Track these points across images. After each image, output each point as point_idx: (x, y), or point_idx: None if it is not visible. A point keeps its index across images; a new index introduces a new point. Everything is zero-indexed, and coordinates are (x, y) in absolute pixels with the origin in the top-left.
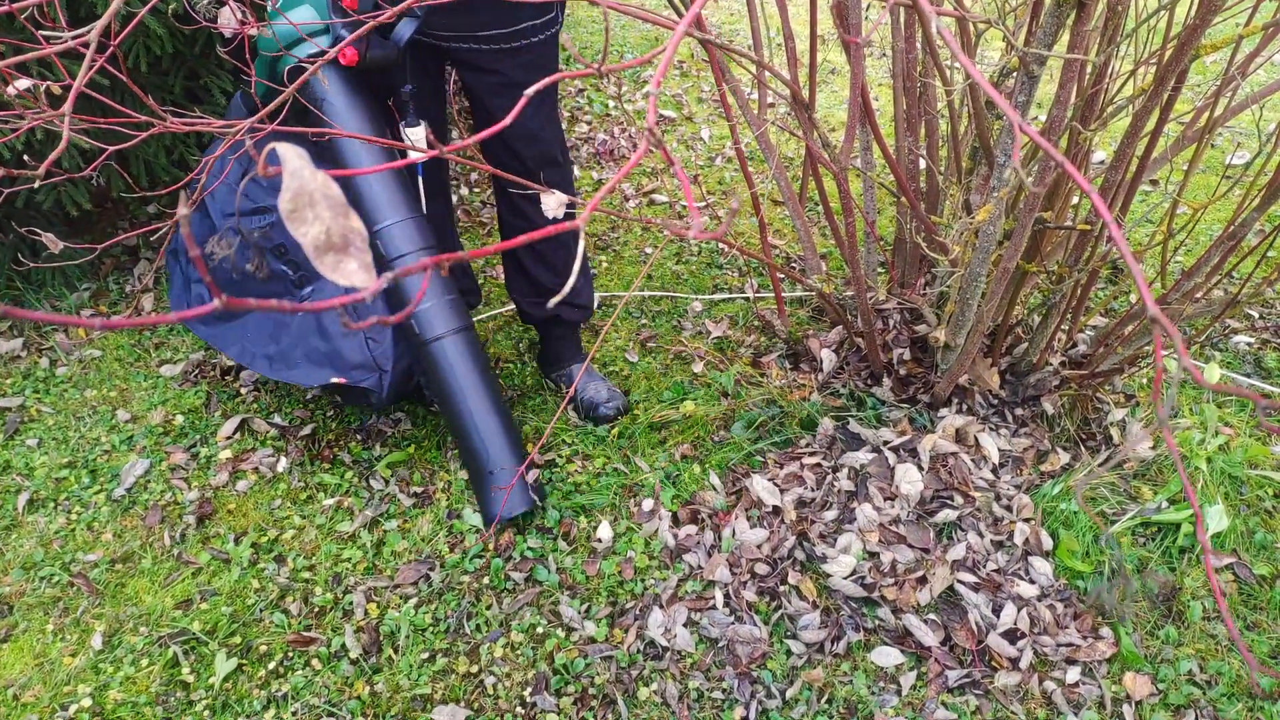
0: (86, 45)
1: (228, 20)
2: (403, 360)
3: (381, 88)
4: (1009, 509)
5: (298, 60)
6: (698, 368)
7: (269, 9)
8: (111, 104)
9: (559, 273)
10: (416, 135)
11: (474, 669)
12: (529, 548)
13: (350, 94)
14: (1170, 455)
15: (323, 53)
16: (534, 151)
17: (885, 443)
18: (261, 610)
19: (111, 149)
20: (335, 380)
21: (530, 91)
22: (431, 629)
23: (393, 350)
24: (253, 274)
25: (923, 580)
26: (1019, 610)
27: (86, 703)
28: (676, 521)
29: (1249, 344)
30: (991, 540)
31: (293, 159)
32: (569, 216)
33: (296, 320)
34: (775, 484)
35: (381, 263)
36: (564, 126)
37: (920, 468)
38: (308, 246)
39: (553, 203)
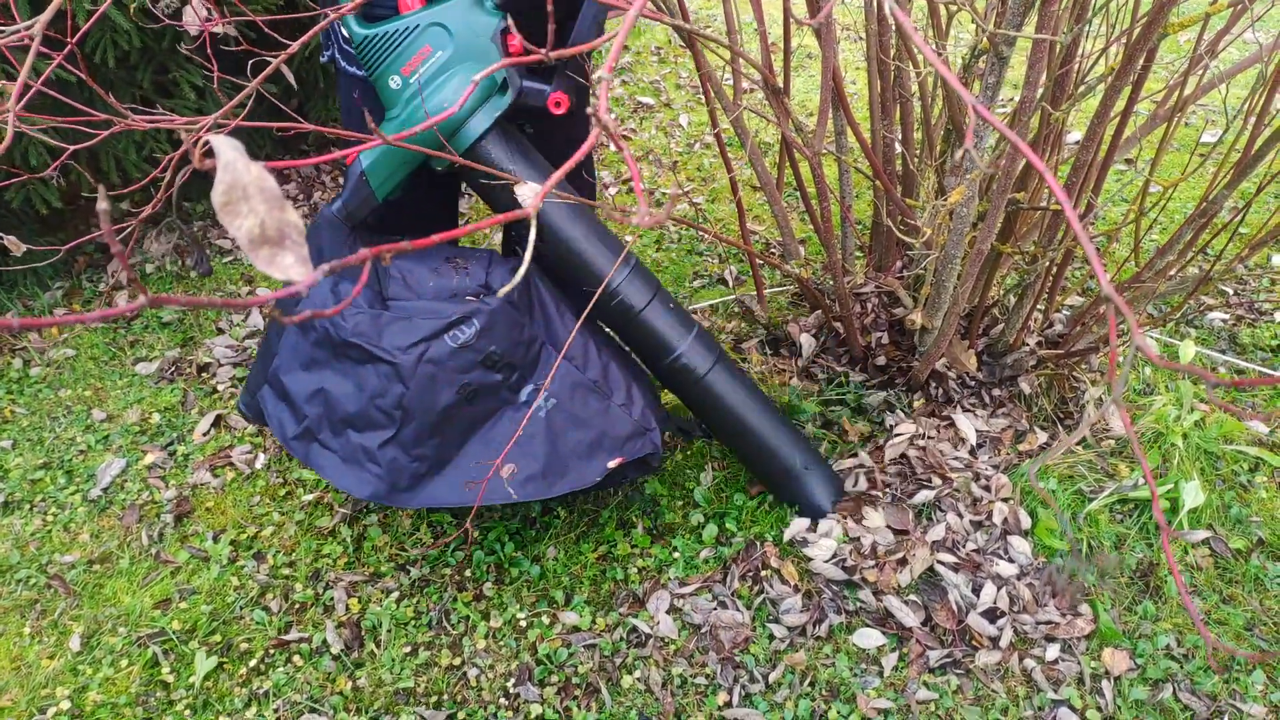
0: (32, 39)
1: (191, 18)
2: (659, 411)
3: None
4: (987, 489)
5: (475, 138)
6: None
7: (393, 86)
8: (72, 103)
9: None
10: (525, 193)
11: (457, 661)
12: (510, 538)
13: (528, 152)
14: (1146, 431)
15: (501, 116)
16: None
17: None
18: (242, 608)
19: (71, 149)
20: (614, 463)
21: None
22: (413, 623)
23: (648, 405)
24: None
25: (903, 562)
26: (998, 589)
27: (65, 705)
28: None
29: (1224, 320)
30: (970, 520)
31: (226, 150)
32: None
33: (543, 425)
34: None
35: (631, 316)
36: None
37: (898, 449)
38: (242, 240)
39: (527, 193)
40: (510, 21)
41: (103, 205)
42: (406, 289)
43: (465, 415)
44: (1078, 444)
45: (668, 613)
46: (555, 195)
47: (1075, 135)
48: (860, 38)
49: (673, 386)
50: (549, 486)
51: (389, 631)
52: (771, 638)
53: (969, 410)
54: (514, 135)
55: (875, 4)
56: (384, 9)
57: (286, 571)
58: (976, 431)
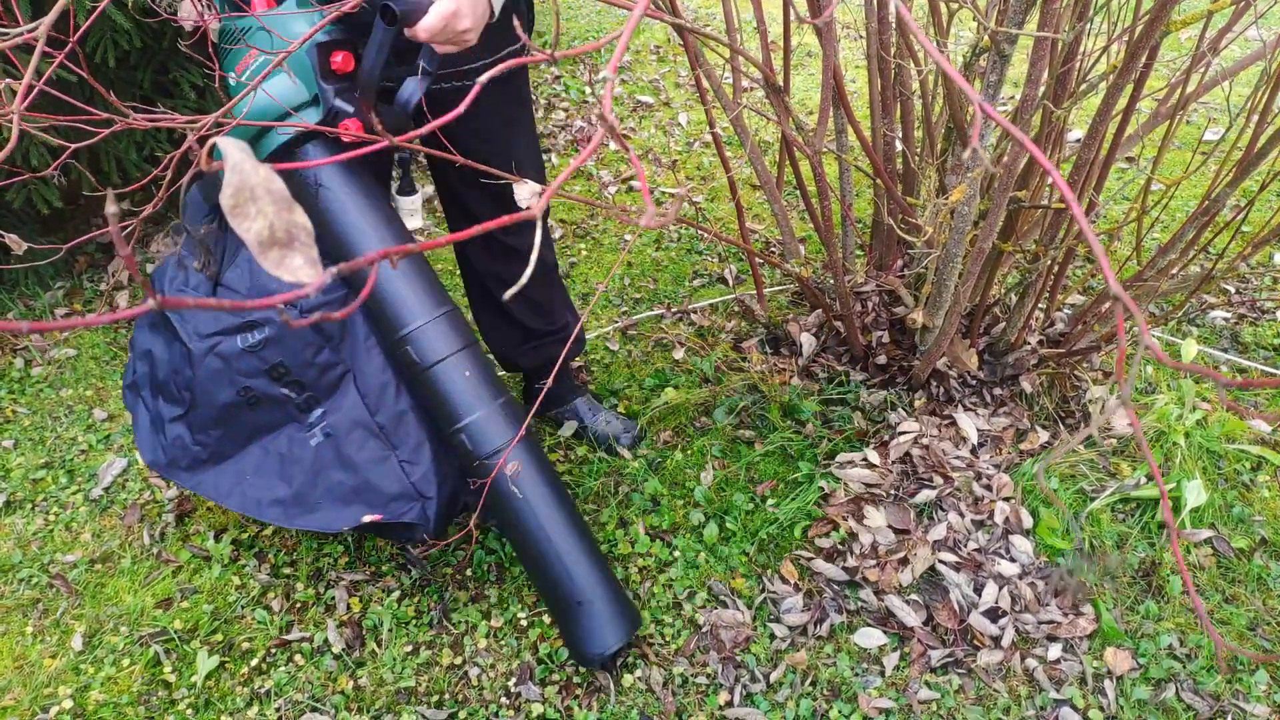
0: (37, 40)
1: (188, 14)
2: (447, 483)
3: (371, 158)
4: (989, 488)
5: (286, 137)
6: (678, 354)
7: (231, 82)
8: (73, 102)
9: (546, 311)
10: (413, 205)
11: (458, 660)
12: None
13: (349, 176)
14: (1148, 430)
15: (314, 129)
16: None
17: (864, 427)
18: (243, 607)
19: (72, 147)
20: (369, 519)
21: (483, 79)
22: (414, 622)
23: (434, 472)
24: (200, 272)
25: (904, 561)
26: (1000, 589)
27: (68, 704)
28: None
29: (1226, 319)
30: (972, 520)
31: (234, 152)
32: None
33: (310, 453)
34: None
35: (416, 371)
36: (540, 114)
37: (900, 449)
38: (251, 242)
39: (525, 192)
40: (332, 36)
41: (111, 209)
42: (249, 278)
43: (249, 419)
44: (1062, 450)
45: (669, 611)
46: (379, 226)
47: (1077, 133)
48: (861, 36)
49: (451, 460)
50: (290, 517)
51: (390, 631)
52: (772, 637)
53: (970, 409)
54: (337, 148)
55: (876, 2)
56: (245, 4)
57: (288, 571)
58: (978, 430)
